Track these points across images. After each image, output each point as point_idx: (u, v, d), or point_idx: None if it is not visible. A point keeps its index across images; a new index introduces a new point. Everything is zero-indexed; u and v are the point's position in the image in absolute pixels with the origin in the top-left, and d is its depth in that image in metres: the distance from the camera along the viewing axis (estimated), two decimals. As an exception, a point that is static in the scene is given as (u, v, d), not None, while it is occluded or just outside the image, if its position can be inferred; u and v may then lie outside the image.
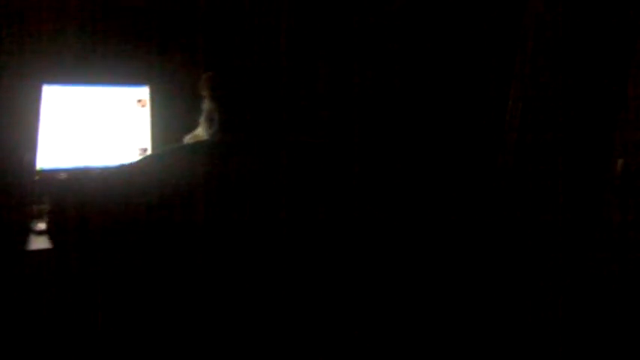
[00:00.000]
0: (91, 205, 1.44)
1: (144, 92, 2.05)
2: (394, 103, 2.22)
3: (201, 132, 1.55)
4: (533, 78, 1.93)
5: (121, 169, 1.47)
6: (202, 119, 1.52)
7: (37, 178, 1.78)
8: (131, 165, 1.47)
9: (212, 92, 1.47)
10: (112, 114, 1.98)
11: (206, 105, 1.51)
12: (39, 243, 1.63)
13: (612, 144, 1.84)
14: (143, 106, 2.04)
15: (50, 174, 1.80)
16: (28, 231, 1.65)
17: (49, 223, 1.56)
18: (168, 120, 2.07)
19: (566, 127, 1.90)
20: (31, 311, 1.57)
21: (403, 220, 1.98)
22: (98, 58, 2.05)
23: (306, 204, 1.46)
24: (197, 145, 1.50)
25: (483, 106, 2.12)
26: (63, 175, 1.75)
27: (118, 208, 1.42)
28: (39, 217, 1.67)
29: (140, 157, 1.49)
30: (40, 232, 1.64)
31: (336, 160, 1.60)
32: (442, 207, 2.07)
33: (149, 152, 2.04)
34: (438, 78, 2.19)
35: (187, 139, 1.62)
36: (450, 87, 2.18)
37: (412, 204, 2.05)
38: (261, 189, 1.42)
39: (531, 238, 1.93)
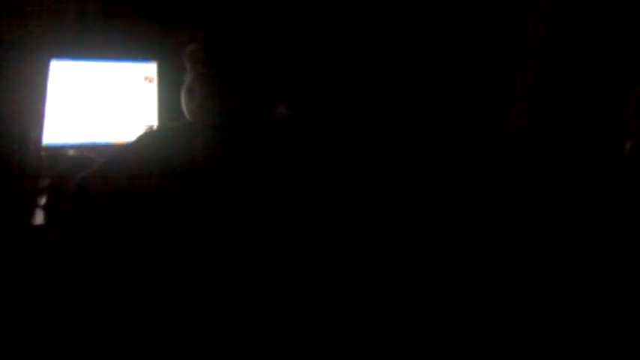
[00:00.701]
0: (89, 184, 1.46)
1: (151, 68, 2.04)
2: (395, 86, 2.20)
3: (183, 104, 1.54)
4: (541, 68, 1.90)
5: (122, 148, 1.48)
6: (183, 91, 1.52)
7: (43, 153, 1.79)
8: (130, 144, 1.47)
9: (194, 64, 1.48)
10: (119, 90, 1.98)
11: (187, 77, 1.51)
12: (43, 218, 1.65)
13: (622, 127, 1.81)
14: (150, 82, 2.04)
15: (56, 150, 1.81)
16: (33, 206, 1.67)
17: (47, 199, 1.59)
18: (175, 96, 2.06)
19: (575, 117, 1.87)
20: (33, 287, 1.60)
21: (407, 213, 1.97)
22: (106, 33, 2.05)
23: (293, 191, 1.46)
24: (181, 128, 1.50)
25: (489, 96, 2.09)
26: (68, 151, 1.76)
27: (115, 186, 1.43)
28: (44, 192, 1.69)
29: (140, 135, 1.49)
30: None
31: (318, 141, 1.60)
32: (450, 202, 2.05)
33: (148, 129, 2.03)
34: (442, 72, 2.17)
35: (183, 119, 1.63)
36: (454, 82, 2.15)
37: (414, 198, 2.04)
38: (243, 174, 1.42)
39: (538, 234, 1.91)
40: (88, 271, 1.60)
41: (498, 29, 2.09)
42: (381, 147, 2.16)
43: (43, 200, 1.67)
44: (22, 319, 1.60)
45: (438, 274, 1.83)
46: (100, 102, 1.95)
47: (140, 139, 1.48)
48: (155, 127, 2.03)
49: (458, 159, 2.13)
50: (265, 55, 1.55)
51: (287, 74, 2.17)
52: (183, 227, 1.40)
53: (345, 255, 1.51)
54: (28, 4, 1.93)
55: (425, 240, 1.88)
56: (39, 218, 1.64)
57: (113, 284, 1.55)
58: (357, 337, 1.45)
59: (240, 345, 1.37)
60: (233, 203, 1.41)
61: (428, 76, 2.18)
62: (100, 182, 1.44)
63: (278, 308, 1.41)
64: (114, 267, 1.56)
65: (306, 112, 2.18)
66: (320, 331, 1.41)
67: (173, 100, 2.06)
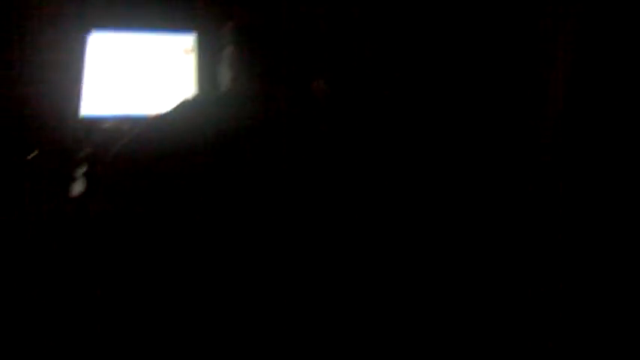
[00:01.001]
0: (124, 154, 1.45)
1: (190, 40, 2.02)
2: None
3: (221, 76, 1.53)
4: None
5: (159, 116, 1.46)
6: (222, 64, 1.50)
7: (81, 125, 1.80)
8: (169, 112, 1.46)
9: (233, 39, 1.45)
10: (157, 62, 1.96)
11: (226, 50, 1.49)
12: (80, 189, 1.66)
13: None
14: (189, 54, 2.01)
15: (93, 121, 1.81)
16: (71, 177, 1.68)
17: (83, 170, 1.60)
18: (213, 69, 2.03)
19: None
20: (71, 256, 1.61)
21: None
22: (145, 4, 2.03)
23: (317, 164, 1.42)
24: (217, 99, 1.48)
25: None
26: (105, 123, 1.76)
27: (154, 155, 1.42)
28: (81, 163, 1.70)
29: (179, 104, 1.48)
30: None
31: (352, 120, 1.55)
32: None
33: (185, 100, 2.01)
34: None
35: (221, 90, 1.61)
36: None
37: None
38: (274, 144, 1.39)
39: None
40: (125, 242, 1.60)
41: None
42: (416, 123, 2.10)
43: (80, 171, 1.68)
44: (61, 289, 1.62)
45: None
46: (138, 74, 1.94)
47: (175, 109, 1.46)
48: (190, 97, 2.01)
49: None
50: (304, 31, 1.51)
51: (325, 50, 2.12)
52: (220, 198, 1.37)
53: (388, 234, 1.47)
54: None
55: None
56: (76, 189, 1.65)
57: (150, 257, 1.55)
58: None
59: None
60: (271, 175, 1.38)
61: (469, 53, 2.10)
62: (135, 153, 1.43)
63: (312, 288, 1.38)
64: (151, 239, 1.56)
65: (343, 87, 2.13)
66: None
67: (211, 72, 2.05)
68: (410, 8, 2.11)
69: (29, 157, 1.68)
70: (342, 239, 1.40)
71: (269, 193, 1.38)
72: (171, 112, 1.46)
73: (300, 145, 1.42)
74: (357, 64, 2.16)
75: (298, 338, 1.35)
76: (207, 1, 2.09)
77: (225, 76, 1.50)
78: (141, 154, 1.43)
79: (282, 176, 1.38)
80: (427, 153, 2.02)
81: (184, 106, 1.49)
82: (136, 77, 1.93)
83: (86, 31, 1.83)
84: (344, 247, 1.40)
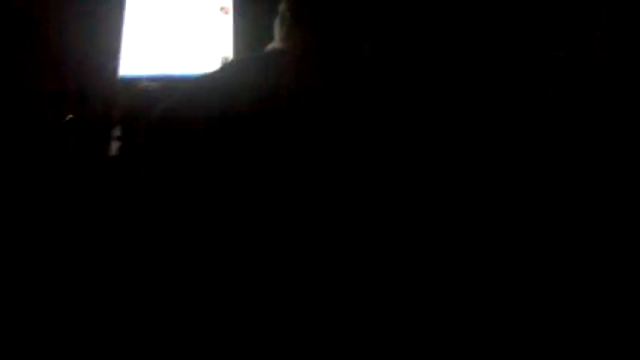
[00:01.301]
0: (168, 115, 1.44)
1: (227, -1, 1.99)
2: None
3: (275, 31, 1.49)
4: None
5: (205, 76, 1.44)
6: (277, 18, 1.46)
7: (120, 84, 1.80)
8: (215, 72, 1.43)
9: None
10: (194, 21, 1.94)
11: (282, 5, 1.44)
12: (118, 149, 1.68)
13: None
14: (226, 13, 1.98)
15: (132, 81, 1.80)
16: (109, 137, 1.69)
17: (121, 130, 1.60)
18: (251, 29, 2.00)
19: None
20: (108, 217, 1.63)
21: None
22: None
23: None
24: (264, 57, 1.44)
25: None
26: (143, 83, 1.76)
27: (200, 115, 1.40)
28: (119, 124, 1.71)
29: (225, 64, 1.45)
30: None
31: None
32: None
33: (226, 59, 1.99)
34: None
35: (269, 48, 1.57)
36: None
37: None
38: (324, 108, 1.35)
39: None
40: (164, 205, 1.61)
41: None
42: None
43: (118, 132, 1.69)
44: (97, 249, 1.65)
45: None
46: (176, 33, 1.92)
47: (222, 68, 1.44)
48: (231, 58, 1.99)
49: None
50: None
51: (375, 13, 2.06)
52: (272, 160, 1.34)
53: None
54: None
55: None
56: (114, 149, 1.66)
57: (189, 221, 1.55)
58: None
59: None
60: (323, 136, 1.34)
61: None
62: (179, 114, 1.41)
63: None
64: (193, 202, 1.55)
65: (392, 50, 2.07)
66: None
67: (249, 32, 2.02)
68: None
69: (68, 117, 1.70)
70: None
71: (319, 153, 1.34)
72: (216, 72, 1.43)
73: (353, 106, 1.37)
74: (405, 29, 2.10)
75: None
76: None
77: (279, 29, 1.46)
78: (185, 117, 1.41)
79: (331, 135, 1.34)
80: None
81: (229, 67, 1.46)
82: (173, 36, 1.91)
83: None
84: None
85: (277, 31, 1.47)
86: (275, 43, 1.51)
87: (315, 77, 1.35)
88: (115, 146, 1.67)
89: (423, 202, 1.40)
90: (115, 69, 1.79)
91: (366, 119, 1.34)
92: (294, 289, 1.31)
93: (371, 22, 1.91)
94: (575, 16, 1.90)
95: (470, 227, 1.45)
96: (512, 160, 1.95)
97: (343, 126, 1.34)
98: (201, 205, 1.52)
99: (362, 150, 1.34)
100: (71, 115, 1.70)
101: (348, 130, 1.33)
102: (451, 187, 1.49)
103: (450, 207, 1.43)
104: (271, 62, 1.39)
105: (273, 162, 1.33)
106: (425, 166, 1.42)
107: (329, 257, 1.31)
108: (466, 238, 1.43)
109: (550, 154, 1.94)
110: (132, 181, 1.63)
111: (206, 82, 1.41)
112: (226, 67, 1.43)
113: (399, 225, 1.36)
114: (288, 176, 1.32)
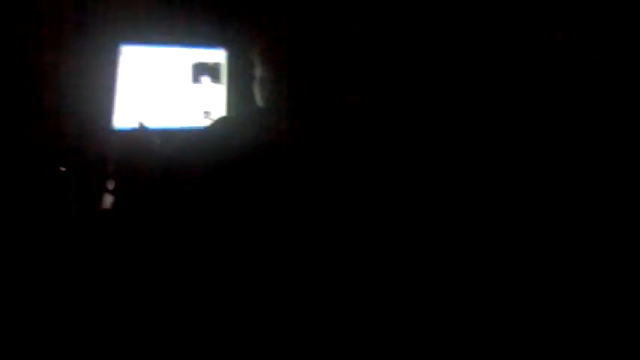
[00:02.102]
0: (163, 169, 1.45)
1: (220, 55, 2.02)
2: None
3: (255, 92, 1.54)
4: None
5: (195, 133, 1.47)
6: (255, 81, 1.51)
7: (112, 138, 1.79)
8: (205, 130, 1.46)
9: (264, 58, 1.46)
10: (186, 76, 1.96)
11: (258, 69, 1.50)
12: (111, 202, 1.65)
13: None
14: (218, 68, 2.01)
15: (125, 134, 1.80)
16: (102, 190, 1.67)
17: (115, 183, 1.59)
18: (242, 83, 2.03)
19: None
20: (102, 269, 1.60)
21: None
22: (175, 19, 2.04)
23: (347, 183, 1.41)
24: (254, 114, 1.49)
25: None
26: (136, 134, 1.75)
27: (190, 171, 1.42)
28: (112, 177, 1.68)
29: (215, 121, 1.48)
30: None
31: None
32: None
33: (213, 116, 2.02)
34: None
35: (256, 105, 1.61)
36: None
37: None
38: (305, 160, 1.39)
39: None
40: (157, 255, 1.59)
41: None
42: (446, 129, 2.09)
43: (111, 184, 1.67)
44: (90, 302, 1.60)
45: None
46: (168, 88, 1.94)
47: (214, 124, 1.47)
48: (225, 114, 2.01)
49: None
50: (334, 47, 1.52)
51: (354, 63, 2.12)
52: (258, 212, 1.36)
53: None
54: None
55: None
56: (107, 202, 1.64)
57: (183, 269, 1.54)
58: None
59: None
60: (309, 187, 1.37)
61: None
62: (174, 168, 1.43)
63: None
64: (185, 251, 1.54)
65: (373, 98, 2.12)
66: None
67: (240, 86, 2.05)
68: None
69: (62, 169, 1.67)
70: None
71: (307, 204, 1.37)
72: (207, 129, 1.46)
73: (337, 158, 1.41)
74: (386, 79, 2.16)
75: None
76: (238, 18, 2.11)
77: (261, 91, 1.51)
78: (177, 169, 1.43)
79: (317, 187, 1.38)
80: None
81: (220, 124, 1.49)
82: (167, 91, 1.93)
83: (118, 44, 1.83)
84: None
85: (257, 93, 1.52)
86: (260, 103, 1.56)
87: (301, 131, 1.40)
88: (108, 199, 1.65)
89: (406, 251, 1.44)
90: (108, 121, 1.79)
91: (340, 168, 1.39)
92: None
93: (347, 78, 1.98)
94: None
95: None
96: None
97: (318, 176, 1.38)
98: (196, 246, 1.52)
99: (338, 194, 1.38)
100: (64, 168, 1.68)
101: (324, 181, 1.38)
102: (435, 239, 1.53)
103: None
104: (258, 119, 1.44)
105: (259, 207, 1.36)
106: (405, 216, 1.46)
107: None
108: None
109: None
110: (126, 234, 1.61)
111: (200, 137, 1.44)
112: (217, 123, 1.46)
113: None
114: (271, 218, 1.35)
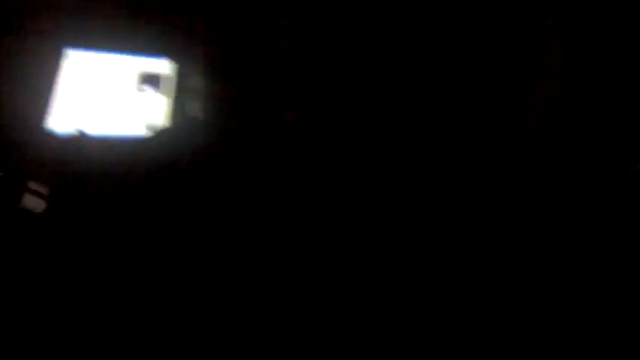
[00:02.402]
0: (92, 175, 1.48)
1: (163, 65, 2.05)
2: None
3: (189, 103, 1.56)
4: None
5: (124, 143, 1.49)
6: (191, 91, 1.54)
7: (50, 141, 1.80)
8: (130, 141, 1.49)
9: (203, 69, 1.49)
10: (128, 83, 1.99)
11: (196, 78, 1.52)
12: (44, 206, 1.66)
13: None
14: (160, 78, 2.05)
15: (62, 138, 1.82)
16: (36, 193, 1.68)
17: (49, 187, 1.60)
18: (183, 93, 2.06)
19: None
20: (35, 271, 1.60)
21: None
22: (121, 27, 2.06)
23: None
24: (187, 126, 1.52)
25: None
26: (71, 140, 1.77)
27: (118, 179, 1.45)
28: (48, 180, 1.70)
29: (138, 135, 1.51)
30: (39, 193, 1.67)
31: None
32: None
33: (154, 125, 2.04)
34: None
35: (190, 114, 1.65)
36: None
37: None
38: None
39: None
40: (87, 260, 1.61)
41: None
42: (387, 146, 2.13)
43: (45, 189, 1.68)
44: (27, 311, 1.61)
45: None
46: (111, 95, 1.96)
47: (145, 135, 1.50)
48: (159, 123, 2.04)
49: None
50: (271, 62, 1.57)
51: (292, 80, 2.16)
52: (184, 223, 1.40)
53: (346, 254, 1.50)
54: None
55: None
56: (40, 206, 1.65)
57: (110, 274, 1.56)
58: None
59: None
60: (237, 201, 1.41)
61: (431, 76, 2.15)
62: (103, 174, 1.46)
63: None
64: (110, 259, 1.57)
65: (311, 115, 2.16)
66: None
67: (181, 97, 2.08)
68: (377, 34, 2.14)
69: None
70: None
71: (235, 217, 1.40)
72: (146, 139, 1.49)
73: (271, 172, 1.46)
74: (326, 93, 2.19)
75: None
76: (185, 30, 2.13)
77: (193, 105, 1.54)
78: (110, 174, 1.46)
79: (245, 201, 1.42)
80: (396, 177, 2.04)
81: (159, 135, 1.52)
82: (110, 98, 1.96)
83: (61, 49, 1.85)
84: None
85: (193, 103, 1.56)
86: (193, 112, 1.60)
87: (233, 145, 1.44)
88: (39, 203, 1.66)
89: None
90: (46, 124, 1.80)
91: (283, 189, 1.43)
92: None
93: (286, 93, 2.00)
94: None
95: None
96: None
97: (260, 191, 1.42)
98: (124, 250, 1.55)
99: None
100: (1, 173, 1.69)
101: (265, 196, 1.42)
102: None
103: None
104: (189, 131, 1.47)
105: (188, 222, 1.40)
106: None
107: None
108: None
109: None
110: (58, 237, 1.63)
111: (139, 146, 1.48)
112: (157, 134, 1.49)
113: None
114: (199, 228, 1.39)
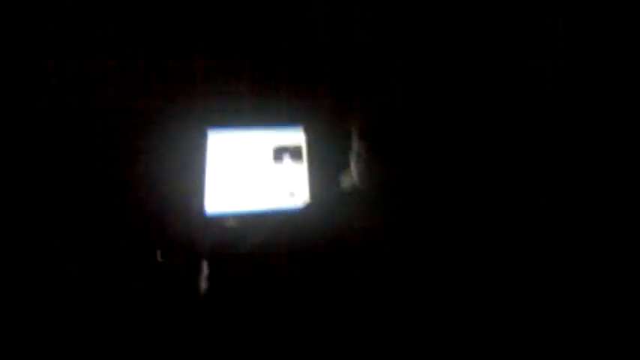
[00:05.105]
0: (259, 253, 1.46)
1: (299, 135, 2.06)
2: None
3: (353, 172, 1.54)
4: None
5: (287, 218, 1.48)
6: (352, 154, 1.52)
7: (205, 223, 1.82)
8: (297, 214, 1.47)
9: (361, 136, 1.48)
10: (270, 157, 2.01)
11: (355, 142, 1.51)
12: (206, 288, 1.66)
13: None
14: (299, 148, 2.05)
15: (217, 219, 1.83)
16: (198, 275, 1.68)
17: (209, 268, 1.62)
18: (322, 161, 2.06)
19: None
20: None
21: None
22: (255, 103, 2.10)
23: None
24: (353, 194, 1.49)
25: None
26: (228, 221, 1.78)
27: (285, 256, 1.42)
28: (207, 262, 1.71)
29: (304, 205, 1.49)
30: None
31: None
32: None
33: (297, 195, 2.04)
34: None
35: (343, 178, 1.62)
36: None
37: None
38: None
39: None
40: (255, 340, 1.59)
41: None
42: None
43: (206, 270, 1.68)
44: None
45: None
46: (252, 170, 1.98)
47: (308, 206, 1.48)
48: (308, 193, 2.04)
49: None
50: (423, 126, 1.53)
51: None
52: (357, 293, 1.35)
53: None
54: (181, 78, 2.02)
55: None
56: (203, 288, 1.65)
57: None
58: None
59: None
60: (410, 268, 1.35)
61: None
62: (270, 251, 1.43)
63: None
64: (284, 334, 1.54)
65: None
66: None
67: (321, 165, 2.08)
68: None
69: (158, 258, 1.70)
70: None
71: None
72: (299, 212, 1.47)
73: (437, 238, 1.40)
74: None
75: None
76: (315, 97, 2.16)
77: (356, 164, 1.51)
78: (278, 250, 1.43)
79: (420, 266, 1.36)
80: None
81: (310, 207, 1.50)
82: (252, 173, 1.97)
83: (205, 130, 1.89)
84: None
85: (353, 165, 1.53)
86: (351, 177, 1.57)
87: (387, 219, 1.39)
88: (204, 285, 1.66)
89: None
90: (200, 207, 1.82)
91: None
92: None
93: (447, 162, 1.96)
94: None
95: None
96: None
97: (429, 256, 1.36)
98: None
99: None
100: (160, 256, 1.71)
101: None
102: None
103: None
104: (346, 202, 1.44)
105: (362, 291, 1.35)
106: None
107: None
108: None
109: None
110: (224, 317, 1.61)
111: (288, 221, 1.45)
112: (307, 207, 1.47)
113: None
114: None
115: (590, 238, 1.87)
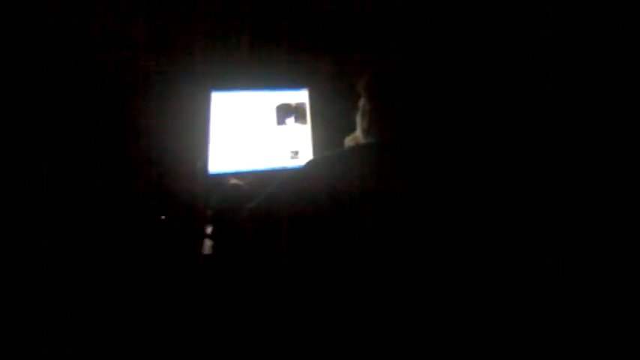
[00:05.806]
0: (258, 211, 1.45)
1: (303, 95, 2.04)
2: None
3: (358, 131, 1.53)
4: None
5: (289, 175, 1.46)
6: (358, 112, 1.51)
7: (208, 181, 1.81)
8: (299, 171, 1.45)
9: (368, 91, 1.46)
10: (273, 117, 1.99)
11: (361, 100, 1.49)
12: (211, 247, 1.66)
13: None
14: (303, 109, 2.04)
15: (220, 178, 1.82)
16: (202, 235, 1.68)
17: (212, 229, 1.62)
18: (327, 123, 2.05)
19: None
20: (203, 315, 1.61)
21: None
22: (259, 64, 2.09)
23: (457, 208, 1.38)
24: (363, 150, 1.47)
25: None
26: (231, 180, 1.77)
27: (287, 214, 1.41)
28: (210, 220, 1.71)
29: (308, 162, 1.47)
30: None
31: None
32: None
33: (300, 155, 2.03)
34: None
35: (348, 140, 1.60)
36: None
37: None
38: (421, 195, 1.36)
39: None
40: (259, 298, 1.60)
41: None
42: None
43: (209, 230, 1.68)
44: (191, 348, 1.61)
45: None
46: (255, 130, 1.96)
47: (310, 163, 1.46)
48: (312, 153, 2.03)
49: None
50: (433, 80, 1.50)
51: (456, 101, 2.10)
52: (360, 252, 1.34)
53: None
54: (183, 40, 2.00)
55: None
56: (207, 247, 1.65)
57: (286, 311, 1.54)
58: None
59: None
60: (414, 225, 1.34)
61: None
62: (272, 209, 1.42)
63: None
64: (287, 293, 1.54)
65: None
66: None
67: (325, 126, 2.06)
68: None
69: (162, 217, 1.71)
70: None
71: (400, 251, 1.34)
72: (302, 170, 1.45)
73: (441, 194, 1.38)
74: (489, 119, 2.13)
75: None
76: (318, 58, 2.14)
77: (361, 121, 1.50)
78: (276, 211, 1.42)
79: (422, 223, 1.34)
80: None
81: (315, 163, 1.47)
82: (255, 134, 1.96)
83: (209, 91, 1.88)
84: None
85: (359, 123, 1.51)
86: (356, 136, 1.55)
87: (399, 175, 1.37)
88: (207, 244, 1.66)
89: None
90: (203, 166, 1.82)
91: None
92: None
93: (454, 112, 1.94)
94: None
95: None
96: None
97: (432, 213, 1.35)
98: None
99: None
100: (164, 216, 1.71)
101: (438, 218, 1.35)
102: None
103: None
104: (353, 159, 1.41)
105: (365, 251, 1.34)
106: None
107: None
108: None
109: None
110: (227, 278, 1.62)
111: (291, 181, 1.43)
112: (309, 165, 1.45)
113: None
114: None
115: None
